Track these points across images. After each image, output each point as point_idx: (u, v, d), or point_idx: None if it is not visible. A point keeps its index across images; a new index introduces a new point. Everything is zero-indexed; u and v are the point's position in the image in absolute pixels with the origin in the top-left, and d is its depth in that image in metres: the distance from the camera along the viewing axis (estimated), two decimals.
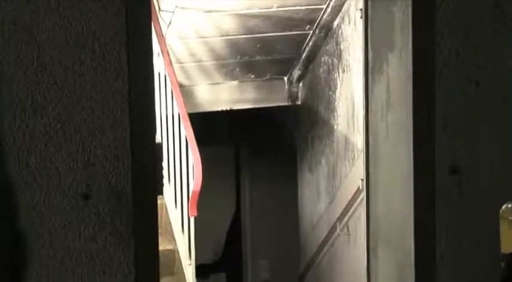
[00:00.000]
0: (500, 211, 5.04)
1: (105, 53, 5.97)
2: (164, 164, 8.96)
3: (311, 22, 9.88)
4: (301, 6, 9.53)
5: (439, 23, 6.40)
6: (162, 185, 6.41)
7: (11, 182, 1.11)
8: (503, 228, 5.02)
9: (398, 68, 6.66)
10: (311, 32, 9.99)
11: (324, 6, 9.74)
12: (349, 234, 9.56)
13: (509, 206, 5.02)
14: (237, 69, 10.12)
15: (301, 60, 10.31)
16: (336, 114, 9.93)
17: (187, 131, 8.72)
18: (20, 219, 1.09)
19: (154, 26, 6.66)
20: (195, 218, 8.89)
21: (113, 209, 6.07)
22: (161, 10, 9.36)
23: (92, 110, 6.05)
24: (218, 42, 9.96)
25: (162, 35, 9.24)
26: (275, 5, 9.49)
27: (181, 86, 9.38)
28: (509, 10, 6.47)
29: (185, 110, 9.09)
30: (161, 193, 6.48)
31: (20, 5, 5.80)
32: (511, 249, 4.98)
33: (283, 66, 10.26)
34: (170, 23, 9.59)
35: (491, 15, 6.44)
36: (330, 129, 10.12)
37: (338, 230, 9.91)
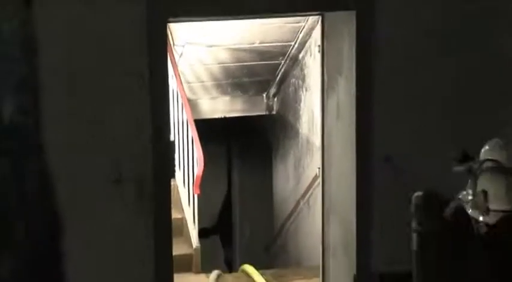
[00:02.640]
0: (413, 197, 4.81)
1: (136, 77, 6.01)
2: (176, 156, 8.96)
3: (283, 54, 9.87)
4: (277, 43, 9.54)
5: (376, 57, 6.43)
6: (174, 171, 6.40)
7: (49, 171, 1.04)
8: None
9: (345, 87, 6.64)
10: (283, 61, 9.98)
11: (293, 43, 9.73)
12: (309, 208, 9.57)
13: (420, 194, 4.82)
14: (229, 88, 10.09)
15: (276, 82, 10.29)
16: (300, 121, 9.91)
17: (193, 132, 8.74)
18: (58, 196, 1.02)
19: (169, 56, 6.64)
20: (198, 195, 8.91)
21: (139, 190, 6.03)
22: (175, 45, 9.38)
23: (123, 116, 6.01)
24: (216, 68, 9.93)
25: (176, 63, 9.28)
26: (257, 42, 9.49)
27: (189, 99, 9.41)
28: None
29: (192, 116, 9.08)
30: (174, 177, 6.48)
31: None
32: None
33: (263, 86, 10.23)
34: (181, 54, 9.62)
35: (426, 50, 6.50)
36: (296, 132, 10.10)
37: (301, 204, 9.92)
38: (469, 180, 4.21)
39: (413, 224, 4.83)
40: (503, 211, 3.99)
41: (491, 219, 4.00)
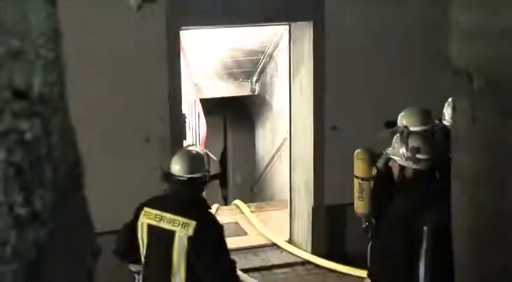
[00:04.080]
0: (355, 153, 4.90)
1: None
2: (187, 124, 8.92)
3: (262, 52, 9.84)
4: (258, 44, 9.53)
5: (327, 51, 6.46)
6: (185, 134, 6.44)
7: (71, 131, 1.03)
8: (357, 163, 4.85)
9: (305, 75, 6.65)
10: (262, 57, 9.91)
11: (269, 44, 9.65)
12: (280, 160, 9.50)
13: (359, 150, 4.86)
14: (225, 76, 10.02)
15: (257, 72, 10.21)
16: (274, 98, 9.87)
17: (199, 107, 8.68)
18: (77, 145, 1.02)
19: (182, 54, 6.62)
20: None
21: (161, 146, 6.06)
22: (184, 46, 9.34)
23: (150, 97, 6.07)
24: (217, 63, 9.91)
25: (186, 59, 9.18)
26: (244, 43, 9.49)
27: (196, 84, 9.33)
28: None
29: (198, 96, 9.01)
30: (185, 139, 6.53)
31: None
32: (360, 174, 4.79)
33: (248, 75, 10.14)
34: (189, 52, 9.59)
35: (362, 49, 6.52)
36: (271, 107, 10.06)
37: (275, 157, 9.89)
38: (395, 140, 4.05)
39: (355, 172, 4.85)
40: (429, 159, 3.85)
41: (421, 166, 3.85)
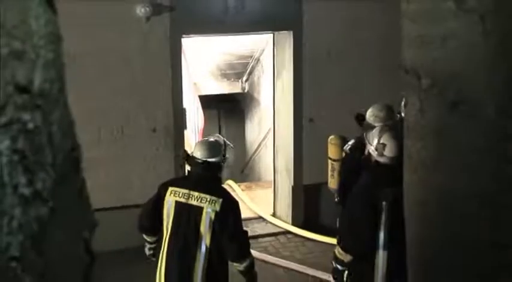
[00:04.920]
0: (329, 139, 4.97)
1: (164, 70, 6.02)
2: (187, 117, 8.91)
3: (251, 56, 9.78)
4: (248, 49, 9.48)
5: (304, 56, 6.43)
6: (186, 124, 6.42)
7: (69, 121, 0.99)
8: (330, 147, 4.93)
9: (287, 75, 6.60)
10: (251, 61, 9.90)
11: (257, 50, 9.57)
12: (266, 147, 9.39)
13: (332, 137, 4.93)
14: (219, 76, 10.02)
15: (247, 73, 10.19)
16: (261, 95, 9.81)
17: (197, 103, 8.65)
18: (75, 133, 0.98)
19: (183, 57, 6.60)
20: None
21: (165, 134, 6.06)
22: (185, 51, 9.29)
23: (156, 92, 6.02)
24: (212, 65, 9.88)
25: (186, 62, 9.16)
26: (236, 49, 9.44)
27: (195, 83, 9.33)
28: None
29: (197, 93, 8.98)
30: (186, 128, 6.51)
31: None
32: (332, 156, 4.89)
33: (239, 75, 10.13)
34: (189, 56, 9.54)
35: (334, 53, 6.54)
36: (258, 102, 10.02)
37: (261, 145, 9.83)
38: (374, 131, 4.01)
39: (329, 154, 4.93)
40: (391, 158, 3.84)
41: (384, 160, 3.84)
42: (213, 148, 3.88)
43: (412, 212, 2.32)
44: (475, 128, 1.98)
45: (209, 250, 3.73)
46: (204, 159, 3.81)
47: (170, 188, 3.80)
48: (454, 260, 2.19)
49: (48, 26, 1.07)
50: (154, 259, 3.90)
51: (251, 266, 3.90)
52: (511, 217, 2.07)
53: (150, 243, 3.96)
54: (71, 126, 1.17)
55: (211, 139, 4.06)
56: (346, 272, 4.03)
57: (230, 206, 3.77)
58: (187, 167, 3.97)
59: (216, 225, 3.71)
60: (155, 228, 3.85)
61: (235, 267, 3.88)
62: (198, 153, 3.84)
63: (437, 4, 1.95)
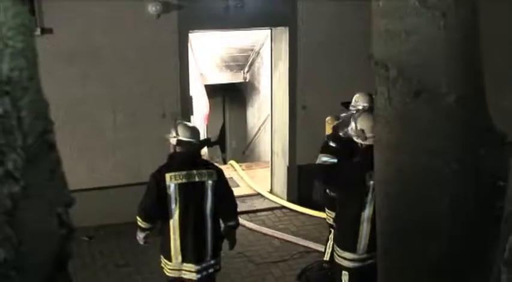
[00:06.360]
0: (326, 119, 4.94)
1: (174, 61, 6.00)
2: (194, 103, 8.84)
3: (251, 50, 9.63)
4: (248, 43, 9.34)
5: (299, 50, 6.38)
6: (192, 109, 6.42)
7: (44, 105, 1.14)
8: (327, 127, 4.89)
9: (283, 67, 6.57)
10: (251, 53, 9.76)
11: (257, 44, 9.41)
12: (265, 131, 9.24)
13: (329, 117, 4.93)
14: (223, 67, 9.91)
15: (248, 64, 10.05)
16: (260, 85, 9.69)
17: (203, 91, 8.60)
18: (48, 116, 0.91)
19: (191, 50, 6.56)
20: (206, 125, 8.73)
21: (174, 119, 5.98)
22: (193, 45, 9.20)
23: (166, 81, 6.02)
24: (217, 57, 9.76)
25: (193, 54, 9.08)
26: (238, 42, 9.35)
27: (201, 73, 9.28)
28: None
29: (203, 82, 8.90)
30: (192, 114, 6.50)
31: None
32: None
33: (241, 67, 9.94)
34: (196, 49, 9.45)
35: (326, 46, 6.49)
36: (258, 91, 9.89)
37: (261, 129, 9.69)
38: (351, 120, 4.00)
39: (326, 132, 4.88)
40: (373, 137, 3.60)
41: (369, 141, 3.68)
42: (198, 131, 4.02)
43: (380, 190, 2.34)
44: (435, 115, 2.00)
45: (212, 216, 3.86)
46: (196, 140, 3.92)
47: (168, 174, 3.77)
48: (412, 228, 2.21)
49: (16, 18, 1.01)
50: (148, 244, 3.91)
51: (238, 223, 4.09)
52: (462, 193, 2.10)
53: (147, 230, 3.86)
54: (44, 110, 1.11)
55: (190, 124, 4.14)
56: (332, 231, 4.11)
57: (221, 173, 3.96)
58: (172, 149, 3.93)
59: (216, 192, 3.87)
60: (158, 216, 3.83)
61: (227, 224, 4.00)
62: (192, 136, 3.89)
63: (403, 1, 1.96)
